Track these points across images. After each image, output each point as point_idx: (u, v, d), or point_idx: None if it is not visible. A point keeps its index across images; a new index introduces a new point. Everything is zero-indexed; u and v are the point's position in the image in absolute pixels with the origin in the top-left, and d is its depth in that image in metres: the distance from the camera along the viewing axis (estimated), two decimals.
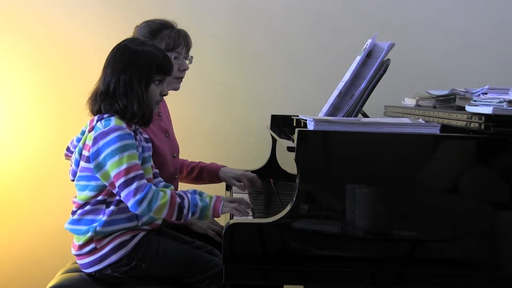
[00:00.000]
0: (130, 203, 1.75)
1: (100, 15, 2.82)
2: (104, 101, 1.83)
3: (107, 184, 1.80)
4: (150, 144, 1.96)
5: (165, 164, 2.11)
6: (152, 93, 1.87)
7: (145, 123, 1.89)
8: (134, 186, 1.74)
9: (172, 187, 2.01)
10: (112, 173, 1.76)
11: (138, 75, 1.84)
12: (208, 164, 2.38)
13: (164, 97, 1.95)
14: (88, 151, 1.80)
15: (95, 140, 1.79)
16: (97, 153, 1.78)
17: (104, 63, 1.88)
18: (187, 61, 2.19)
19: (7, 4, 2.81)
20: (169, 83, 2.13)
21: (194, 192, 1.94)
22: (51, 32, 2.82)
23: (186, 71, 2.19)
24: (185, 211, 1.79)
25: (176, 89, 2.19)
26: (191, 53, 2.21)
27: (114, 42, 1.93)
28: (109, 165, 1.76)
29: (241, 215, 1.82)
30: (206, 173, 2.36)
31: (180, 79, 2.18)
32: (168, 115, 2.33)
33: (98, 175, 1.79)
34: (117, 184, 1.76)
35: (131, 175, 1.75)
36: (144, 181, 1.77)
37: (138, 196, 1.74)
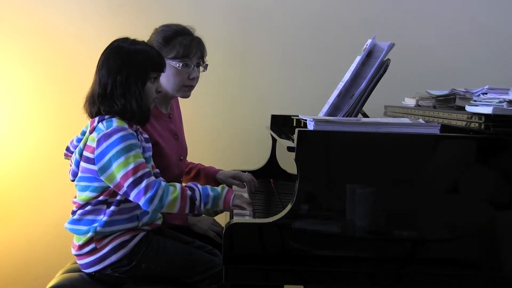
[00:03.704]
0: (141, 202, 1.75)
1: (100, 14, 2.82)
2: (103, 103, 1.83)
3: (111, 186, 1.80)
4: (150, 144, 1.96)
5: (170, 166, 2.11)
6: (148, 91, 1.87)
7: (144, 122, 1.90)
8: (143, 184, 1.74)
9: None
10: (119, 174, 1.76)
11: (134, 75, 1.84)
12: (206, 167, 2.39)
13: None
14: (92, 152, 1.80)
15: (99, 142, 1.78)
16: (101, 155, 1.78)
17: (97, 64, 1.88)
18: (200, 68, 2.16)
19: (6, 4, 2.81)
20: (178, 90, 2.13)
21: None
22: (50, 32, 2.82)
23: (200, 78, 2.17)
24: (197, 202, 1.80)
25: (186, 97, 2.17)
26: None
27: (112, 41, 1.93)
28: (115, 166, 1.76)
29: (247, 213, 1.82)
30: (203, 175, 2.37)
31: (190, 87, 2.14)
32: (180, 117, 2.32)
33: (102, 177, 1.79)
34: (125, 184, 1.76)
35: (139, 173, 1.75)
36: (153, 178, 1.77)
37: (148, 194, 1.74)
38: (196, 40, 2.14)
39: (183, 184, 1.88)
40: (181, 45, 2.09)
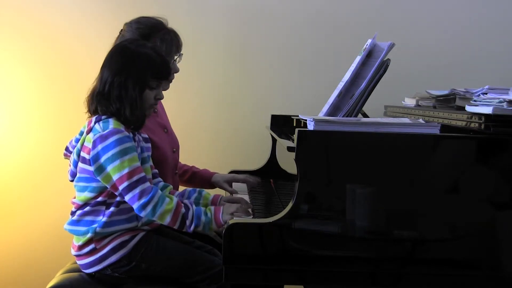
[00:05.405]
0: (135, 206, 1.76)
1: (100, 14, 2.82)
2: (100, 102, 1.82)
3: (108, 187, 1.80)
4: (149, 144, 1.96)
5: (166, 159, 2.10)
6: (146, 97, 1.85)
7: (137, 128, 1.88)
8: (138, 189, 1.74)
9: (171, 186, 2.01)
10: (114, 177, 1.76)
11: (133, 79, 1.82)
12: (200, 170, 2.38)
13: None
14: (88, 153, 1.79)
15: (94, 143, 1.78)
16: (97, 157, 1.77)
17: (102, 61, 1.87)
18: (177, 59, 2.13)
19: (6, 4, 2.81)
20: None
21: (195, 191, 1.95)
22: (50, 32, 2.82)
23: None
24: (187, 222, 1.78)
25: (165, 89, 2.16)
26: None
27: (113, 41, 1.92)
28: (110, 169, 1.76)
29: (242, 216, 1.82)
30: (198, 179, 2.36)
31: (170, 80, 2.13)
32: (164, 110, 2.31)
33: (99, 178, 1.79)
34: (120, 188, 1.76)
35: (134, 178, 1.75)
36: (148, 184, 1.77)
37: (143, 200, 1.74)
38: (172, 34, 2.09)
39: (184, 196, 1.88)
40: (163, 42, 2.05)
